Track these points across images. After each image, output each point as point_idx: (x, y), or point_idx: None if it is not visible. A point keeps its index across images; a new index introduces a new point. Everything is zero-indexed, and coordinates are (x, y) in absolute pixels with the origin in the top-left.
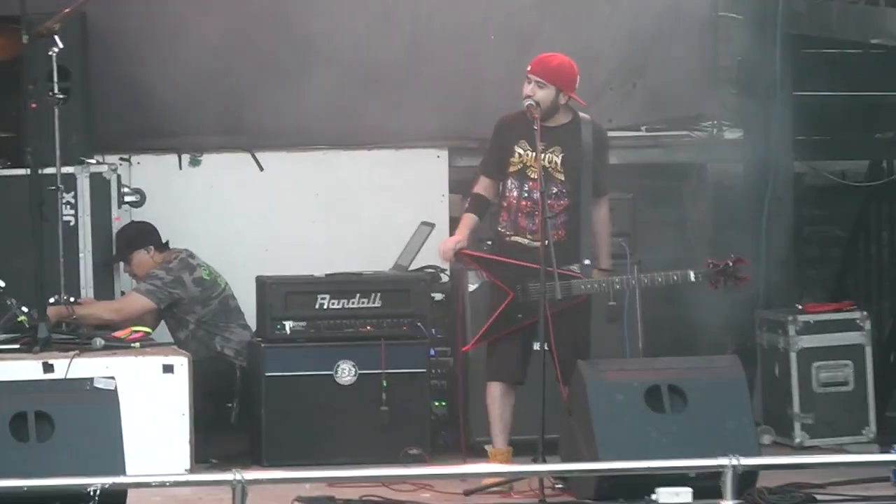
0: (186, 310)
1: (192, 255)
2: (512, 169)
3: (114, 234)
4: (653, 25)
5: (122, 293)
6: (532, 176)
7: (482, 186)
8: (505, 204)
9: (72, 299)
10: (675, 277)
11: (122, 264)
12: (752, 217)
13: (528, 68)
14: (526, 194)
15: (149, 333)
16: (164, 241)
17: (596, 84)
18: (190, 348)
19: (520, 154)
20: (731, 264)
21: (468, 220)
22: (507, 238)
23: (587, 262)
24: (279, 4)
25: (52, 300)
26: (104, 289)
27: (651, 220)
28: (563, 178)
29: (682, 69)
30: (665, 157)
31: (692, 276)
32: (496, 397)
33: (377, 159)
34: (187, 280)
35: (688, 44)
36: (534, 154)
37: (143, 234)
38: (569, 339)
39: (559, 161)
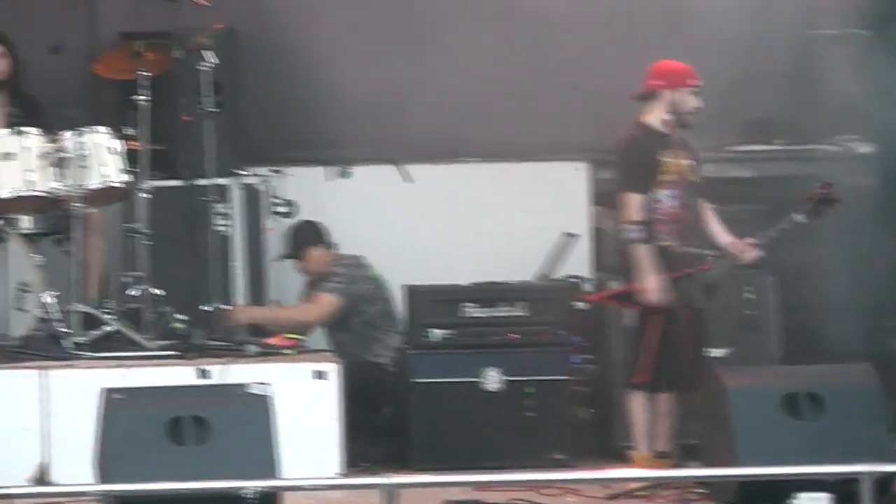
0: (355, 310)
1: (360, 257)
2: (667, 178)
3: (280, 233)
4: (752, 40)
5: (274, 301)
6: (682, 183)
7: (638, 206)
8: (664, 217)
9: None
10: (785, 226)
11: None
12: (883, 228)
13: (693, 81)
14: (681, 202)
15: (302, 341)
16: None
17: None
18: (348, 350)
19: (670, 163)
20: (821, 191)
21: (650, 253)
22: (678, 250)
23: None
24: (423, 18)
25: (207, 308)
26: (256, 296)
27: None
28: (699, 181)
29: (782, 84)
30: (798, 170)
31: (798, 218)
32: (639, 403)
33: (521, 172)
34: (360, 277)
35: (787, 59)
36: (681, 162)
37: (318, 233)
38: (701, 333)
39: (694, 165)
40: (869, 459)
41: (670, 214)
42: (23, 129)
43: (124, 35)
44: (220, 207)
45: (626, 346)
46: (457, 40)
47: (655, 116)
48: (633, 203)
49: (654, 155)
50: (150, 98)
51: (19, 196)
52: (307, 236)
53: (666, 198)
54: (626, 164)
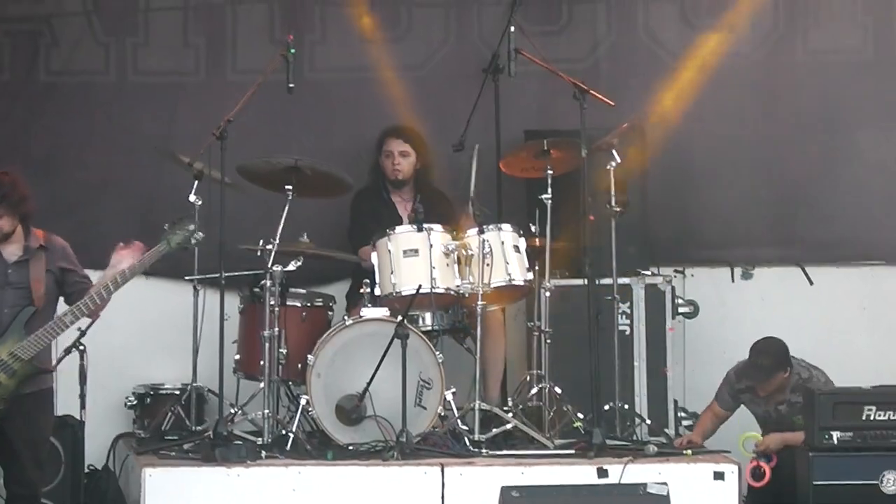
0: None
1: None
2: None
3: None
4: None
5: (675, 401)
6: None
7: None
8: None
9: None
10: None
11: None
12: None
13: None
14: None
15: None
16: None
17: None
18: None
19: None
20: None
21: None
22: None
23: None
24: (830, 115)
25: (606, 407)
26: (656, 398)
27: None
28: None
29: None
30: None
31: None
32: None
33: None
34: None
35: None
36: None
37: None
38: None
39: None
40: None
41: None
42: (427, 225)
43: (530, 133)
44: (623, 307)
45: None
46: (859, 135)
47: None
48: None
49: None
50: (554, 196)
51: (422, 293)
52: (784, 358)
53: None
54: None
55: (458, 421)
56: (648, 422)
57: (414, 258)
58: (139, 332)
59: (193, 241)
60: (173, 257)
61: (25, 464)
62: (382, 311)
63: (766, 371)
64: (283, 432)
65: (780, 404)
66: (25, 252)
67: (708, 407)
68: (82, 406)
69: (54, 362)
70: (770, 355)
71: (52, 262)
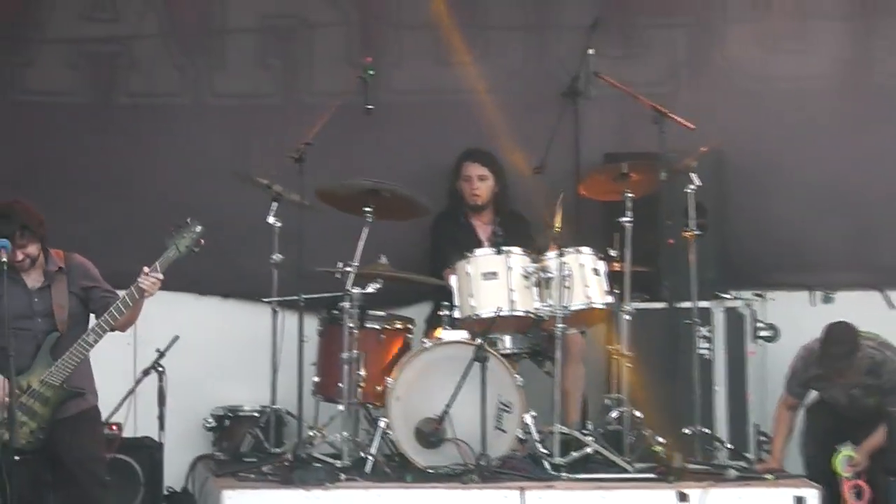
0: None
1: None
2: None
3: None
4: None
5: (756, 425)
6: None
7: None
8: None
9: None
10: None
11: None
12: None
13: None
14: None
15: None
16: None
17: None
18: None
19: None
20: None
21: None
22: None
23: None
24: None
25: (686, 431)
26: (736, 422)
27: None
28: None
29: None
30: None
31: None
32: None
33: None
34: None
35: None
36: None
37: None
38: None
39: None
40: None
41: None
42: (506, 248)
43: (609, 156)
44: (702, 331)
45: None
46: None
47: None
48: None
49: None
50: (633, 219)
51: (501, 316)
52: (855, 344)
53: None
54: None
55: (538, 444)
56: (729, 446)
57: (493, 281)
58: (218, 353)
59: (203, 243)
60: (186, 265)
61: (86, 485)
62: (462, 334)
63: (845, 359)
64: (363, 455)
65: (853, 388)
66: (46, 277)
67: (780, 403)
68: (161, 427)
69: (135, 384)
70: (844, 343)
71: (73, 284)
